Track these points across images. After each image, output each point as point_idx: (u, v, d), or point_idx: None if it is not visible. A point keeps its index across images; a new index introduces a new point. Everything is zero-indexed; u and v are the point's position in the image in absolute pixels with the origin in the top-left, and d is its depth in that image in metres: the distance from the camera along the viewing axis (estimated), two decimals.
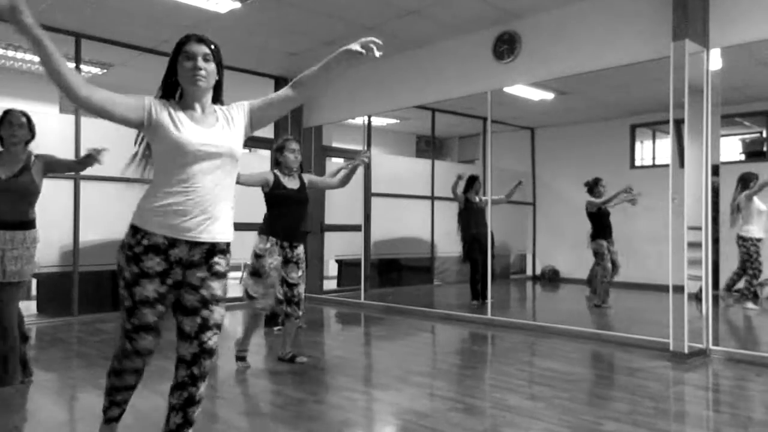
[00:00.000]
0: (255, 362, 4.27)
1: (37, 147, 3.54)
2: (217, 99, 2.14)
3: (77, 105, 1.87)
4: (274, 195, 3.90)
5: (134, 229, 2.01)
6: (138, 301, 2.01)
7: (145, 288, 2.00)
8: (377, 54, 2.07)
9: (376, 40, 2.07)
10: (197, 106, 2.06)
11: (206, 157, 2.00)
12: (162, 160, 2.02)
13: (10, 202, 3.31)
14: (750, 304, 5.97)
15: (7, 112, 3.41)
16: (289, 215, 3.94)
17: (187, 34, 2.06)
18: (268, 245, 3.85)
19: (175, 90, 2.09)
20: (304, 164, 4.55)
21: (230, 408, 3.06)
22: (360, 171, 4.36)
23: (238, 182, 3.71)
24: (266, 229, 3.90)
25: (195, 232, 2.01)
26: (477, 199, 6.64)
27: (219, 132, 2.06)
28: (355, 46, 2.06)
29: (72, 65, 6.08)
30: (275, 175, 3.90)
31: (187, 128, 2.00)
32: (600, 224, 6.36)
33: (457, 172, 6.84)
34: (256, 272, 3.83)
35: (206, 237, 2.03)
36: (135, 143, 2.15)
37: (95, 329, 5.32)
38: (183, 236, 2.00)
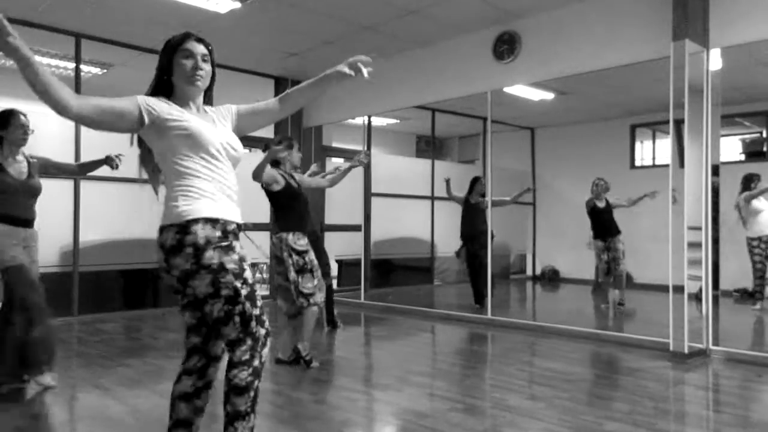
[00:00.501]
0: None
1: (32, 147, 3.57)
2: (206, 100, 2.11)
3: (69, 119, 1.78)
4: (288, 193, 3.95)
5: (209, 222, 1.87)
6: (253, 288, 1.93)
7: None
8: (365, 73, 2.04)
9: (364, 59, 2.04)
10: (192, 106, 2.02)
11: (222, 152, 1.98)
12: (177, 153, 1.91)
13: (27, 202, 3.45)
14: (757, 305, 6.01)
15: (13, 113, 3.42)
16: (303, 211, 4.03)
17: (186, 32, 2.01)
18: (306, 240, 3.94)
19: (162, 88, 2.01)
20: (305, 164, 4.56)
21: None
22: (360, 171, 4.37)
23: (259, 179, 3.78)
24: (295, 225, 3.94)
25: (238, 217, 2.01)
26: (479, 199, 6.59)
27: (223, 130, 2.04)
28: (344, 68, 2.03)
29: (72, 65, 6.10)
30: (281, 174, 3.95)
31: (197, 122, 1.95)
32: (595, 223, 6.40)
33: (444, 176, 6.86)
34: (303, 269, 3.86)
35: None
36: (131, 144, 2.06)
37: (95, 329, 5.32)
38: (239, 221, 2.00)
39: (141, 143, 2.02)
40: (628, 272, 6.25)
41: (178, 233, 1.85)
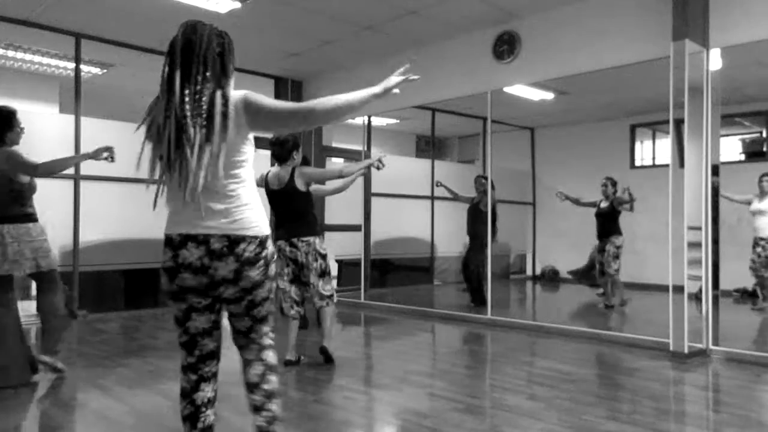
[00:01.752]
0: None
1: (33, 147, 3.58)
2: None
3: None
4: (310, 194, 4.00)
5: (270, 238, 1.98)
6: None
7: None
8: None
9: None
10: None
11: None
12: (251, 163, 1.95)
13: None
14: (759, 303, 6.02)
15: (15, 113, 3.42)
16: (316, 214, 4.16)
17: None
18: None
19: None
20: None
21: (230, 408, 3.05)
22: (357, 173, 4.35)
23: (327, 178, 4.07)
24: (318, 229, 4.01)
25: None
26: (481, 197, 6.53)
27: None
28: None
29: (72, 65, 6.11)
30: None
31: None
32: (596, 224, 6.42)
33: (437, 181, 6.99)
34: (324, 272, 3.95)
35: None
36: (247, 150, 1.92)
37: (95, 329, 5.32)
38: None
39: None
40: (614, 277, 6.22)
41: (258, 247, 1.87)
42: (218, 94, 1.81)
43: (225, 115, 1.79)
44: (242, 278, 1.85)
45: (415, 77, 1.97)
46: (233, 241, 1.83)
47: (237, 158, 1.87)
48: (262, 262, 1.88)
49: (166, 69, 1.85)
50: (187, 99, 1.79)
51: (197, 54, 1.83)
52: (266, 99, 1.87)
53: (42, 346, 3.56)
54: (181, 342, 1.96)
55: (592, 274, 6.61)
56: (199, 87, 1.81)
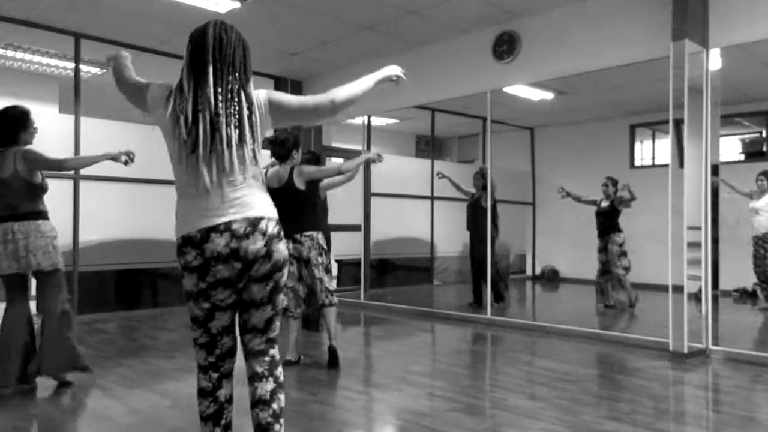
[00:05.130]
0: None
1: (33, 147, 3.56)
2: None
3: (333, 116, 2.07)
4: (313, 191, 4.00)
5: None
6: None
7: None
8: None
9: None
10: None
11: None
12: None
13: None
14: (760, 303, 6.01)
15: (29, 113, 3.42)
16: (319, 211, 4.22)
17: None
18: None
19: None
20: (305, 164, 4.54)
21: None
22: (360, 169, 4.35)
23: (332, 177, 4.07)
24: (319, 224, 4.03)
25: None
26: (480, 194, 6.44)
27: None
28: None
29: (72, 65, 6.10)
30: None
31: None
32: (596, 223, 6.42)
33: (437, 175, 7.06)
34: (327, 268, 3.98)
35: None
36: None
37: (95, 329, 5.32)
38: None
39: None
40: (622, 277, 6.19)
41: (277, 224, 1.92)
42: (243, 94, 1.87)
43: (252, 115, 1.87)
44: (274, 251, 1.87)
45: (404, 77, 2.19)
46: (253, 222, 1.85)
47: (259, 147, 1.94)
48: (284, 241, 1.93)
49: (194, 63, 1.89)
50: (219, 97, 1.83)
51: (229, 53, 1.89)
52: (288, 97, 1.96)
53: (43, 362, 3.31)
54: (201, 343, 1.94)
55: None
56: (230, 86, 1.86)
